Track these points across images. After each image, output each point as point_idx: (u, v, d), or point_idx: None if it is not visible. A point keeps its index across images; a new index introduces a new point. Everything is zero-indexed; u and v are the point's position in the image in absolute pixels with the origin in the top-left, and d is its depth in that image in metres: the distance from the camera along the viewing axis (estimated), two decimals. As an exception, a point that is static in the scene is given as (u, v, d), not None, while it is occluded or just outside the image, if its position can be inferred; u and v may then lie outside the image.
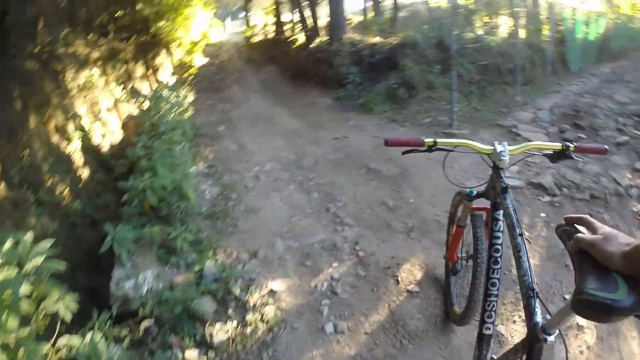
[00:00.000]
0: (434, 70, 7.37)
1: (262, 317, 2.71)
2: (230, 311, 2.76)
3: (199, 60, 14.03)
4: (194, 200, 3.69)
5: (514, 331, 2.58)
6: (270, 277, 3.08)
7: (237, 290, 2.89)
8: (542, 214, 4.13)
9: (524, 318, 2.77)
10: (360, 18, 13.60)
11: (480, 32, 9.27)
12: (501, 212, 1.64)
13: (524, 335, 1.25)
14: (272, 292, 2.94)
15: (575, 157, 1.73)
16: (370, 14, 13.29)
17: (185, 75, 11.23)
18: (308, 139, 6.08)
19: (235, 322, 2.67)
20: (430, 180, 4.45)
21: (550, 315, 1.15)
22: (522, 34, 9.30)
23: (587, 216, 0.95)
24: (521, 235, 1.43)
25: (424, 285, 2.90)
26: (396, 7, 11.61)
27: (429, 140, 1.72)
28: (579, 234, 0.90)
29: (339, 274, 3.06)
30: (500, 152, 1.63)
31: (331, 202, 4.12)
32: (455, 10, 10.47)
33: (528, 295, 1.25)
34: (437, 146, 1.74)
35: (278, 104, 8.34)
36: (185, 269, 3.03)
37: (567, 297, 3.04)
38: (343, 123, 6.74)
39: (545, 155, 1.81)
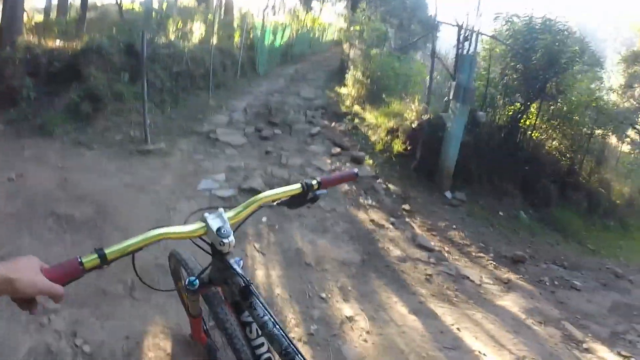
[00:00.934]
0: (123, 79, 6.63)
1: None
2: None
3: None
4: None
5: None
6: None
7: None
8: (264, 219, 4.10)
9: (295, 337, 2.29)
10: (41, 18, 11.28)
11: (173, 37, 9.03)
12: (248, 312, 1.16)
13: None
14: None
15: (321, 194, 1.38)
16: (55, 14, 11.25)
17: None
18: (-25, 186, 4.38)
19: None
20: (136, 211, 3.77)
21: None
22: (214, 40, 9.57)
23: None
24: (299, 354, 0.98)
25: (180, 356, 2.28)
26: (84, 7, 9.91)
27: (90, 258, 0.94)
28: None
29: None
30: (219, 229, 1.07)
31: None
32: (148, 13, 9.92)
33: None
34: (110, 259, 0.96)
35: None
36: None
37: (324, 295, 3.07)
38: (18, 154, 5.18)
39: (281, 204, 1.37)
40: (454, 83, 6.26)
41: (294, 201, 1.37)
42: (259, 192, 4.47)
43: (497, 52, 7.38)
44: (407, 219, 5.05)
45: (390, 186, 5.75)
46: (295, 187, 1.34)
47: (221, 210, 1.13)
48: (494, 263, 4.69)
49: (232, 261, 1.12)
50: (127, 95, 6.49)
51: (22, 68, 6.72)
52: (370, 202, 5.14)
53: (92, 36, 7.61)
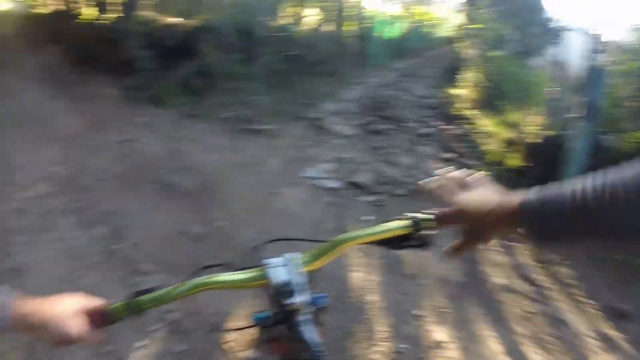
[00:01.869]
0: (237, 59, 6.68)
1: None
2: None
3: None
4: None
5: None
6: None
7: None
8: (368, 217, 3.75)
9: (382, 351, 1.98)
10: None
11: (285, 21, 8.90)
12: None
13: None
14: None
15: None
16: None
17: None
18: (88, 145, 4.55)
19: None
20: (237, 191, 3.69)
21: None
22: (328, 27, 9.31)
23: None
24: None
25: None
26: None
27: (118, 304, 0.76)
28: None
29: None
30: (281, 285, 0.73)
31: (119, 240, 2.90)
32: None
33: None
34: (142, 308, 0.76)
35: (59, 96, 6.20)
36: None
37: (417, 312, 2.76)
38: (131, 120, 5.41)
39: (382, 244, 0.84)
40: (582, 99, 5.26)
41: (397, 242, 0.84)
42: (365, 187, 3.94)
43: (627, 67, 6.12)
44: (513, 244, 4.46)
45: (502, 204, 5.03)
46: (403, 224, 0.82)
47: (288, 256, 0.77)
48: (600, 313, 3.87)
49: (302, 320, 0.76)
50: (240, 75, 6.64)
51: (141, 40, 6.87)
52: (476, 219, 4.50)
53: (208, 15, 7.70)
